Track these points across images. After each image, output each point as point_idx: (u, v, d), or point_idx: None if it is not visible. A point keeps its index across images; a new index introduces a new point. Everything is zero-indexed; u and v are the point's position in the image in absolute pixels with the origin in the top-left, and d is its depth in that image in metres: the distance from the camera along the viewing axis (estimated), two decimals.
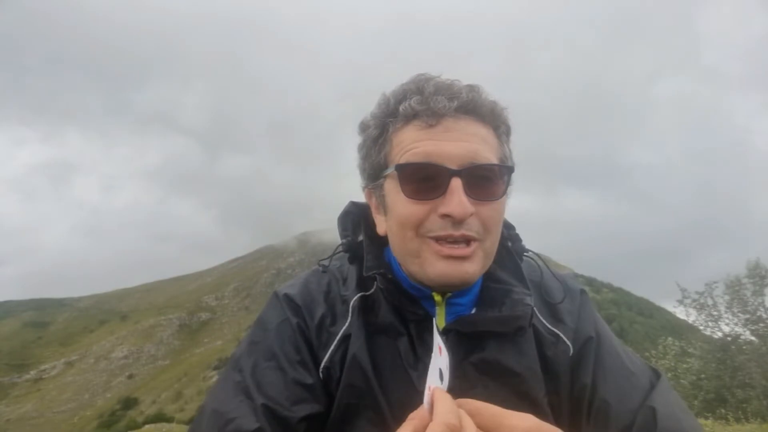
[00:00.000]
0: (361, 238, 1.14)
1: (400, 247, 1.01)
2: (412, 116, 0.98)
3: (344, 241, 1.15)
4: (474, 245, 0.96)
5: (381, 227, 1.08)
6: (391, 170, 0.99)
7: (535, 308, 1.04)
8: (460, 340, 1.00)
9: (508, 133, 1.06)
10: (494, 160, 0.97)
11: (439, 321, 1.03)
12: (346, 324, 1.03)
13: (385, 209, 1.04)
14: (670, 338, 18.62)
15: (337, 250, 1.16)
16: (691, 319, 17.23)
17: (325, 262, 1.16)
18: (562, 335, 1.06)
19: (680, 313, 18.10)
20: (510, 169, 1.00)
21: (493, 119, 1.01)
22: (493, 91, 1.01)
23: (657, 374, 1.10)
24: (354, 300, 1.06)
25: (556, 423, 0.98)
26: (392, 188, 1.00)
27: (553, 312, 1.10)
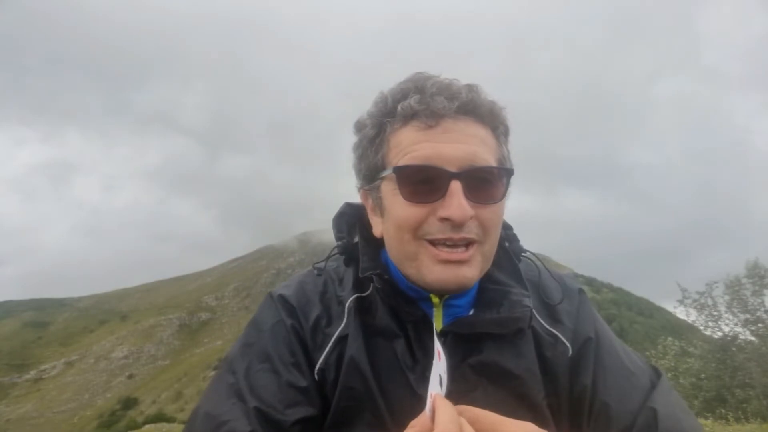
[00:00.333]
0: (356, 239, 1.12)
1: (397, 250, 1.00)
2: (410, 116, 0.96)
3: (339, 243, 1.13)
4: (473, 248, 0.95)
5: (377, 229, 1.06)
6: (388, 172, 0.97)
7: (533, 309, 1.02)
8: (458, 342, 0.99)
9: (506, 133, 1.04)
10: (493, 162, 0.96)
11: (437, 322, 1.02)
12: (342, 325, 1.02)
13: (382, 211, 1.02)
14: (669, 338, 18.62)
15: (333, 252, 1.14)
16: (691, 319, 17.26)
17: (321, 265, 1.14)
18: (560, 336, 1.05)
19: (680, 313, 18.13)
20: (509, 172, 0.99)
21: (492, 120, 0.99)
22: (493, 91, 1.00)
23: (658, 373, 1.09)
24: (350, 301, 1.04)
25: (556, 425, 0.98)
26: (390, 190, 0.98)
27: (551, 313, 1.09)
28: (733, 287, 15.93)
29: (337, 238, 1.14)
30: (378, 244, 1.09)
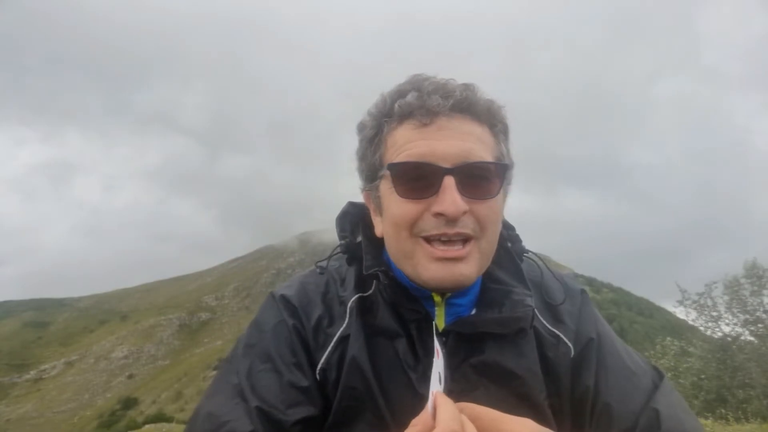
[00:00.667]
0: (359, 239, 1.12)
1: (395, 248, 1.00)
2: (407, 114, 0.97)
3: (342, 242, 1.14)
4: (470, 245, 0.95)
5: (378, 229, 1.07)
6: (384, 170, 0.98)
7: (535, 309, 1.03)
8: (460, 341, 0.99)
9: (505, 131, 1.04)
10: (489, 159, 0.96)
11: (439, 322, 1.02)
12: (344, 325, 1.02)
13: (381, 211, 1.03)
14: (668, 338, 18.64)
15: (335, 251, 1.15)
16: (690, 319, 17.26)
17: (323, 263, 1.14)
18: (562, 336, 1.05)
19: (680, 313, 18.12)
20: (506, 167, 0.99)
21: (489, 117, 0.99)
22: (493, 91, 1.00)
23: (659, 374, 1.09)
24: (352, 301, 1.04)
25: (558, 425, 0.98)
26: (387, 189, 0.99)
27: (553, 313, 1.09)
28: (732, 287, 15.92)
29: (340, 237, 1.14)
30: (380, 245, 1.09)
